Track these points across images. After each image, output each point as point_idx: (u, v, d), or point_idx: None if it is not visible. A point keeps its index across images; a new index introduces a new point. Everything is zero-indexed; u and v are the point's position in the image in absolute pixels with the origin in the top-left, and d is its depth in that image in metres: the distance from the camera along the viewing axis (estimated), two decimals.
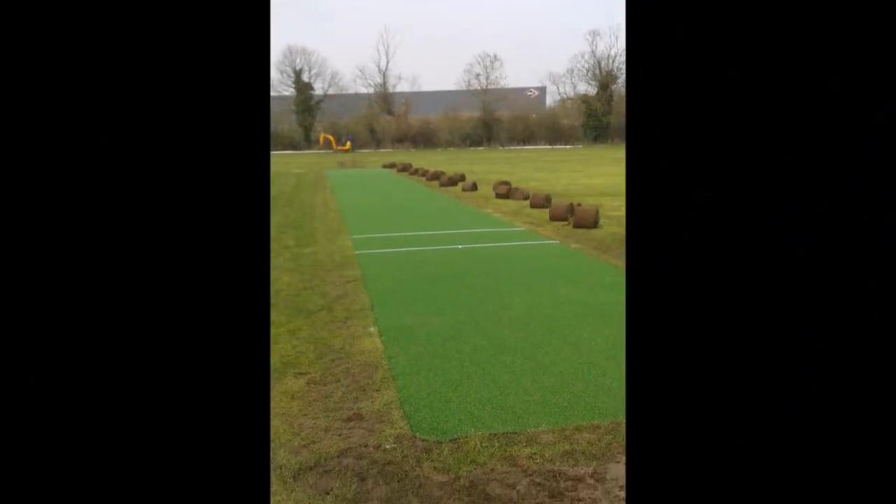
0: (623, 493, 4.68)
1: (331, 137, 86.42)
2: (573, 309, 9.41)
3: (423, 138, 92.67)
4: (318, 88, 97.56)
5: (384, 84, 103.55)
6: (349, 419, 5.96)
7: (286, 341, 8.17)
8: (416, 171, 40.99)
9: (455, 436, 5.57)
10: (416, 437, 5.57)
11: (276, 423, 5.88)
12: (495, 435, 5.57)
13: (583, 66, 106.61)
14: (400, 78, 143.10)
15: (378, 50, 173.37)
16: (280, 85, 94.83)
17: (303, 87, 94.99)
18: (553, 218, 18.30)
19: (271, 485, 4.86)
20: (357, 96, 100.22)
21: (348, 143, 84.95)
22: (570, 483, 4.83)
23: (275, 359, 7.49)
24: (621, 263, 12.39)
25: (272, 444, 5.47)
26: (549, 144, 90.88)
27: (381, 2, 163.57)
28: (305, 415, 6.08)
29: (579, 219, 17.05)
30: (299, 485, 4.89)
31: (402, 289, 10.96)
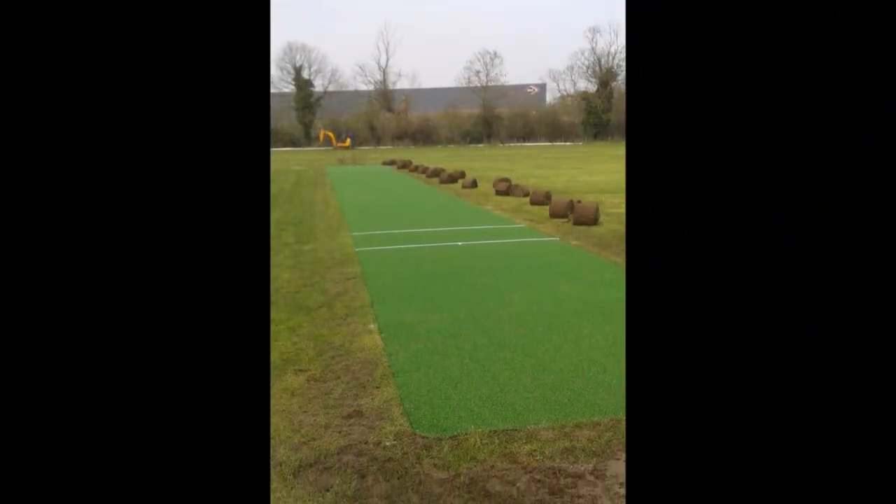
0: (623, 490, 4.69)
1: (331, 134, 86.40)
2: (573, 306, 9.41)
3: (423, 135, 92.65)
4: (319, 85, 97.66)
5: (384, 81, 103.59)
6: (349, 416, 5.97)
7: (286, 338, 8.17)
8: (416, 168, 40.99)
9: (455, 433, 5.58)
10: (416, 434, 5.58)
11: (276, 419, 5.89)
12: (495, 432, 5.57)
13: (583, 63, 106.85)
14: (400, 75, 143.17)
15: (378, 47, 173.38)
16: (280, 82, 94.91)
17: (303, 84, 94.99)
18: (553, 215, 18.30)
19: (271, 482, 4.87)
20: (357, 93, 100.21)
21: (348, 140, 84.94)
22: (570, 480, 4.83)
23: (275, 356, 7.49)
24: (621, 260, 12.40)
25: (272, 441, 5.48)
26: (549, 141, 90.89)
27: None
28: (305, 412, 6.08)
29: (579, 216, 17.05)
30: (299, 482, 4.90)
31: (402, 286, 10.96)
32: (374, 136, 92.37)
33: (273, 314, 9.11)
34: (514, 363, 7.18)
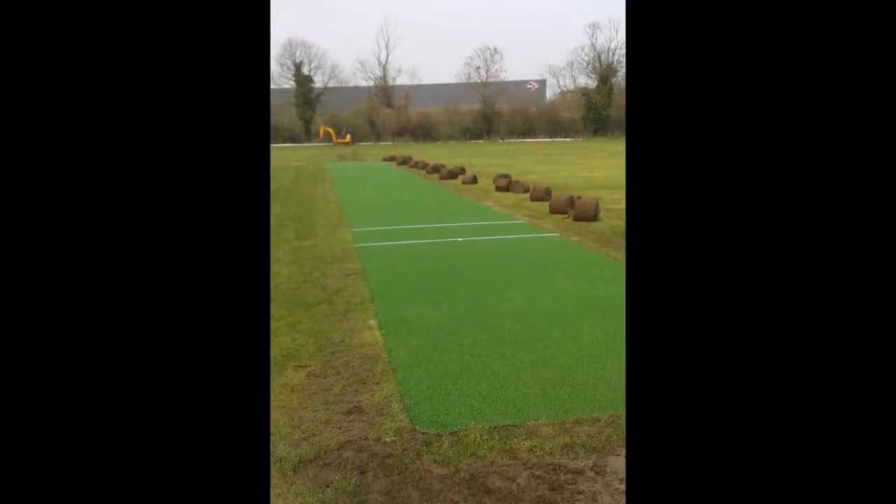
0: (623, 486, 4.70)
1: (331, 130, 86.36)
2: (573, 302, 9.41)
3: (423, 131, 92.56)
4: (318, 81, 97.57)
5: (384, 77, 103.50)
6: (349, 412, 5.98)
7: (286, 334, 8.18)
8: (416, 164, 40.95)
9: (455, 429, 5.58)
10: (416, 430, 5.58)
11: (276, 415, 5.89)
12: (495, 428, 5.58)
13: (583, 59, 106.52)
14: (400, 71, 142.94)
15: (378, 43, 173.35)
16: (280, 78, 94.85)
17: (303, 80, 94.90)
18: (553, 211, 18.29)
19: (271, 478, 4.88)
20: (357, 89, 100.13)
21: (348, 136, 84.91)
22: (570, 476, 4.84)
23: (275, 352, 7.50)
24: (621, 256, 12.40)
25: (272, 437, 5.48)
26: (549, 137, 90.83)
27: None
28: (305, 408, 6.09)
29: (579, 212, 17.04)
30: (299, 478, 4.90)
31: (402, 282, 10.96)
32: (374, 132, 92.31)
33: (273, 310, 9.11)
34: (514, 359, 7.19)
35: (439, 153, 57.78)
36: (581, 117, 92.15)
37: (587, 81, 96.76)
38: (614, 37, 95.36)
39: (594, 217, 16.92)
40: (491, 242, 14.55)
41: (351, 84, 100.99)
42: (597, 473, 4.87)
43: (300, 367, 7.10)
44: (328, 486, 4.77)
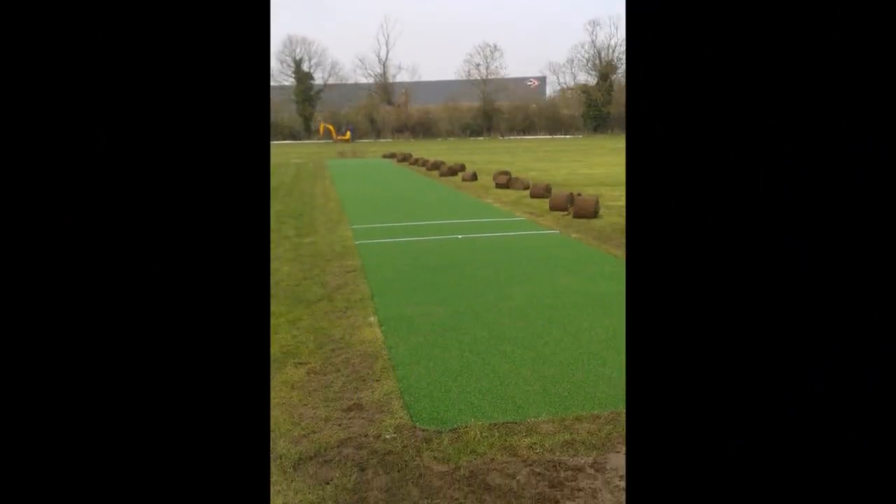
0: (623, 483, 4.70)
1: (331, 127, 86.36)
2: (573, 299, 9.42)
3: (423, 128, 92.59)
4: (318, 78, 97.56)
5: (384, 74, 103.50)
6: (349, 409, 5.98)
7: (286, 331, 8.18)
8: (416, 161, 40.96)
9: (455, 426, 5.59)
10: (416, 427, 5.59)
11: (276, 412, 5.90)
12: (495, 425, 5.58)
13: (583, 56, 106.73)
14: (400, 68, 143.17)
15: (378, 40, 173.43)
16: (280, 75, 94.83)
17: (303, 77, 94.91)
18: (553, 208, 18.29)
19: (271, 475, 4.88)
20: (357, 86, 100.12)
21: (348, 133, 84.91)
22: (570, 473, 4.84)
23: (275, 349, 7.50)
24: (621, 253, 12.40)
25: (272, 434, 5.49)
26: (549, 134, 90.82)
27: None
28: (305, 404, 6.09)
29: (579, 209, 17.04)
30: (299, 475, 4.91)
31: (401, 279, 10.97)
32: (374, 128, 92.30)
33: (273, 307, 9.11)
34: (514, 356, 7.19)
35: (439, 150, 57.78)
36: (581, 114, 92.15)
37: (587, 78, 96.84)
38: (614, 34, 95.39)
39: (594, 214, 16.92)
40: (491, 239, 14.55)
41: (351, 81, 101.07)
42: (597, 470, 4.88)
43: (300, 364, 7.10)
44: (328, 484, 4.78)
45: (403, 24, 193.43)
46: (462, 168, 32.46)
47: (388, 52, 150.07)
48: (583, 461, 5.00)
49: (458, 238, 14.70)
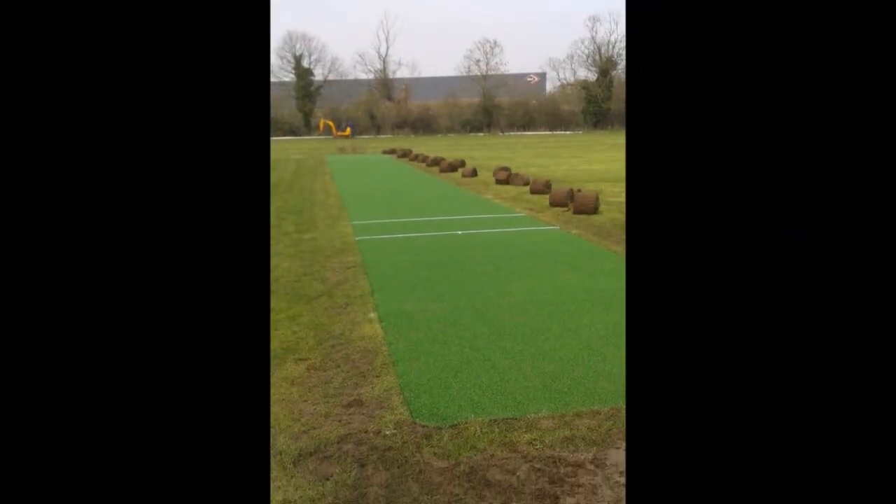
0: (623, 479, 4.70)
1: (331, 123, 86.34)
2: (573, 295, 9.42)
3: (423, 124, 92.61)
4: (318, 74, 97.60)
5: (384, 70, 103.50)
6: (349, 405, 5.98)
7: (286, 327, 8.18)
8: (416, 157, 40.96)
9: (455, 422, 5.59)
10: (416, 423, 5.59)
11: (276, 408, 5.90)
12: (495, 421, 5.58)
13: (583, 52, 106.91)
14: (400, 64, 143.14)
15: (378, 36, 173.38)
16: (280, 71, 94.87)
17: (303, 73, 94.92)
18: (553, 204, 18.29)
19: (271, 470, 4.88)
20: (357, 82, 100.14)
21: (348, 129, 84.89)
22: (570, 469, 4.84)
23: (275, 345, 7.50)
24: (621, 249, 12.40)
25: (272, 430, 5.49)
26: (549, 130, 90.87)
27: None
28: (305, 401, 6.09)
29: (579, 205, 17.04)
30: (299, 471, 4.91)
31: (401, 275, 10.97)
32: (374, 124, 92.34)
33: (273, 303, 9.11)
34: (514, 352, 7.19)
35: (439, 146, 57.79)
36: (581, 110, 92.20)
37: (587, 74, 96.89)
38: (614, 30, 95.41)
39: (594, 210, 16.91)
40: (491, 235, 14.55)
41: (351, 77, 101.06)
42: (597, 466, 4.88)
43: (300, 360, 7.10)
44: (328, 479, 4.78)
45: (403, 20, 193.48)
46: (462, 164, 32.46)
47: (388, 48, 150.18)
48: (583, 457, 5.00)
49: (458, 234, 14.70)
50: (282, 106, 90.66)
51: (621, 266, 11.01)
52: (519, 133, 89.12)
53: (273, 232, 15.15)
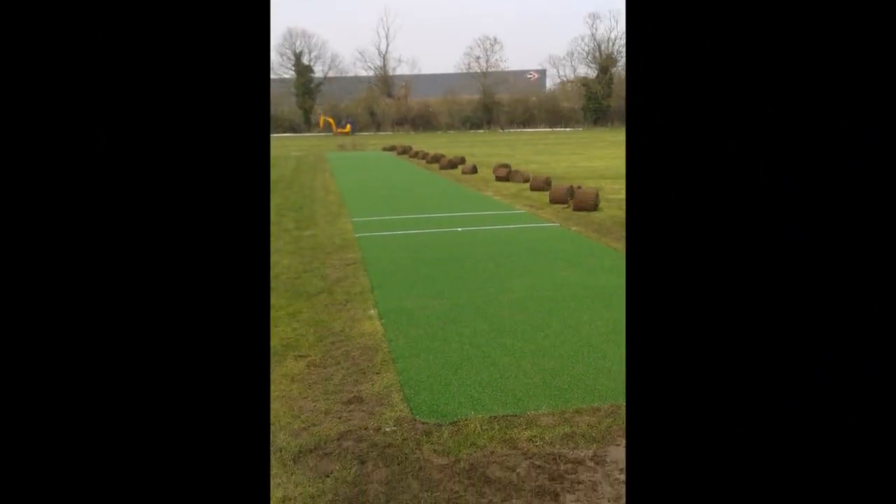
0: (623, 476, 4.71)
1: (331, 120, 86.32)
2: (573, 292, 9.42)
3: (423, 121, 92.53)
4: (319, 71, 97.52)
5: (384, 67, 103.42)
6: (349, 402, 5.98)
7: (286, 324, 8.18)
8: (416, 154, 40.92)
9: (455, 418, 5.59)
10: (416, 420, 5.59)
11: (276, 405, 5.90)
12: (495, 418, 5.58)
13: (583, 49, 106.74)
14: (400, 61, 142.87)
15: (378, 33, 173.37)
16: (280, 68, 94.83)
17: (303, 70, 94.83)
18: (553, 201, 18.28)
19: (271, 467, 4.89)
20: (357, 79, 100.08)
21: (348, 126, 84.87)
22: (570, 466, 4.85)
23: (275, 341, 7.50)
24: (621, 246, 12.40)
25: (272, 427, 5.49)
26: (549, 127, 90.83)
27: None
28: (305, 397, 6.10)
29: (579, 201, 17.03)
30: (299, 467, 4.91)
31: (401, 271, 10.97)
32: (374, 121, 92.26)
33: (273, 300, 9.11)
34: (515, 349, 7.19)
35: (439, 143, 57.77)
36: (581, 107, 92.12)
37: (587, 71, 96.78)
38: (614, 27, 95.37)
39: (594, 207, 16.91)
40: (491, 232, 14.54)
41: (351, 74, 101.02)
42: (597, 463, 4.88)
43: (300, 356, 7.10)
44: (328, 476, 4.78)
45: (403, 16, 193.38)
46: (462, 161, 32.44)
47: (387, 44, 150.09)
48: (583, 454, 5.01)
49: (457, 231, 14.70)
50: (282, 103, 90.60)
51: (621, 263, 11.01)
52: (519, 130, 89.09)
53: (273, 229, 15.15)
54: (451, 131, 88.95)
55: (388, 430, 5.45)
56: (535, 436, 5.27)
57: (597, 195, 17.31)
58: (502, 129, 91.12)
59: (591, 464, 4.88)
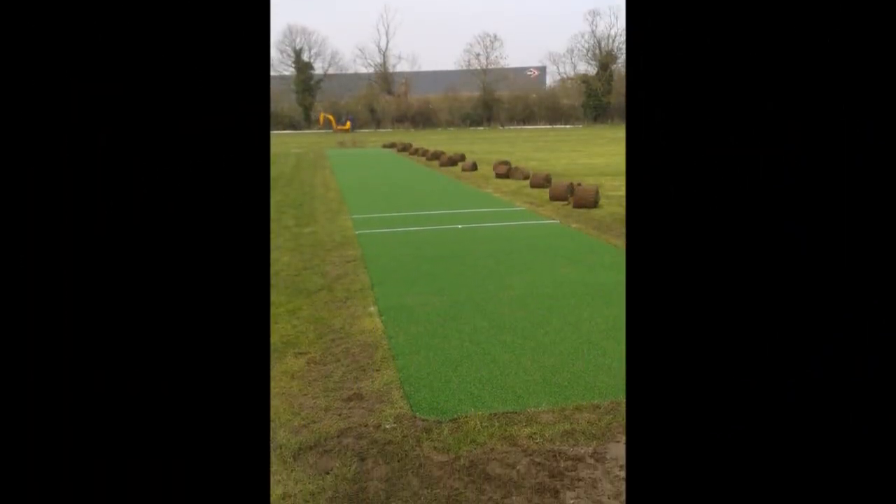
0: (623, 473, 4.71)
1: (331, 117, 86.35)
2: (573, 289, 9.42)
3: (423, 118, 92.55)
4: (318, 68, 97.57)
5: (384, 64, 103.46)
6: (349, 399, 5.98)
7: (286, 321, 8.18)
8: (416, 151, 40.91)
9: (455, 415, 5.59)
10: (416, 417, 5.59)
11: (276, 402, 5.90)
12: (495, 415, 5.59)
13: (583, 46, 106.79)
14: (400, 58, 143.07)
15: (378, 30, 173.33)
16: (280, 65, 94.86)
17: (303, 67, 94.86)
18: (553, 198, 18.27)
19: (271, 464, 4.89)
20: (357, 76, 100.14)
21: (348, 123, 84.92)
22: (570, 463, 4.85)
23: (275, 339, 7.50)
24: (621, 243, 12.39)
25: (272, 424, 5.49)
26: (549, 124, 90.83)
27: None
28: (305, 394, 6.10)
29: (579, 199, 17.03)
30: (299, 464, 4.92)
31: (402, 269, 10.96)
32: (374, 118, 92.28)
33: (273, 297, 9.11)
34: (515, 346, 7.20)
35: (439, 140, 57.76)
36: (581, 104, 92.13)
37: (587, 68, 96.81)
38: (614, 24, 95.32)
39: (594, 204, 16.91)
40: (491, 229, 14.54)
41: (351, 71, 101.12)
42: (597, 460, 4.89)
43: (300, 354, 7.11)
44: (328, 473, 4.78)
45: (403, 13, 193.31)
46: (462, 158, 32.43)
47: (388, 41, 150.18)
48: (583, 451, 5.01)
49: (458, 228, 14.70)
50: (282, 100, 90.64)
51: (621, 260, 11.01)
52: (519, 127, 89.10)
53: (273, 226, 15.15)
54: (451, 128, 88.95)
55: (387, 427, 5.45)
56: (535, 433, 5.28)
57: (597, 192, 17.31)
58: (502, 126, 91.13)
59: (591, 461, 4.88)
